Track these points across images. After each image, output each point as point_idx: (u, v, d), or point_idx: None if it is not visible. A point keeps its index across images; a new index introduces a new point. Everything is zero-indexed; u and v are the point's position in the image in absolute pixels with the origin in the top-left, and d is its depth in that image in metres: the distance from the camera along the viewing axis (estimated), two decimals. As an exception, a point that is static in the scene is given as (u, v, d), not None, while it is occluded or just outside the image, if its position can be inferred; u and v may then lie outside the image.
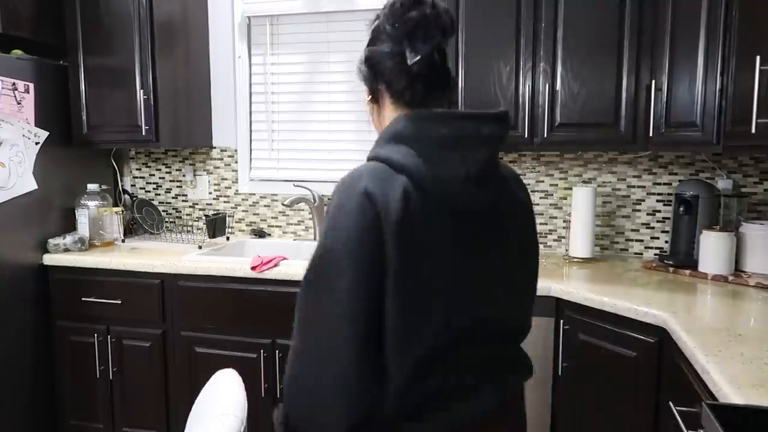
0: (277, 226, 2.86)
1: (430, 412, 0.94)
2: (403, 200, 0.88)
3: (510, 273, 1.02)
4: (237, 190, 2.90)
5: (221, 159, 2.90)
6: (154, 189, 3.04)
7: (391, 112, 1.03)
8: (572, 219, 2.31)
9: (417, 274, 0.89)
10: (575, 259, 2.32)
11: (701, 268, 2.03)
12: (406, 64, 0.95)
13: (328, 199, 2.76)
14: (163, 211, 3.02)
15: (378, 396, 0.90)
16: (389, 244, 0.87)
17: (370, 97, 1.08)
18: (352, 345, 0.87)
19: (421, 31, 0.94)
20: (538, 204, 2.53)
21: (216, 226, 2.64)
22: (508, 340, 1.09)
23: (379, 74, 1.01)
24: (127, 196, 2.99)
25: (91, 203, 2.61)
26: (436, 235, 0.91)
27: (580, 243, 2.30)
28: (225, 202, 2.92)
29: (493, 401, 1.00)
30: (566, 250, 2.42)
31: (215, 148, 2.90)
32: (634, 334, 1.67)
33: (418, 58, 0.94)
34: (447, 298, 0.92)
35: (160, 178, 3.02)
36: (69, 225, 2.60)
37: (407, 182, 0.90)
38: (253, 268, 2.18)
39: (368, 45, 1.04)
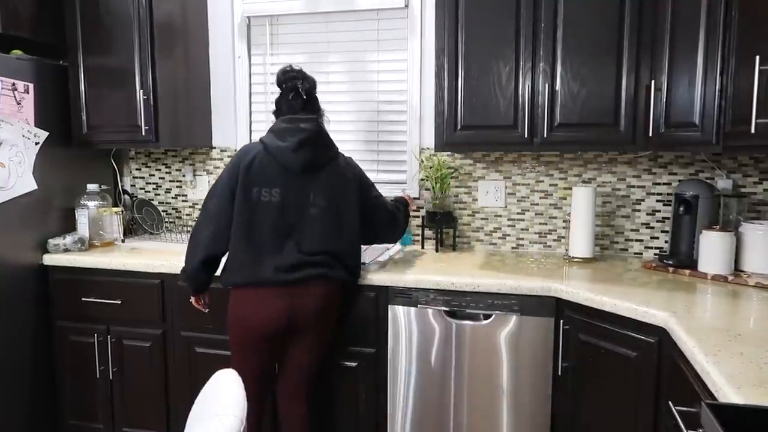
0: (277, 226, 2.86)
1: (242, 269, 1.85)
2: (252, 158, 1.87)
3: (317, 204, 1.88)
4: (237, 190, 2.90)
5: (221, 159, 2.90)
6: (154, 189, 3.04)
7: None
8: (572, 219, 2.31)
9: (249, 195, 1.85)
10: (575, 259, 2.32)
11: (701, 268, 2.03)
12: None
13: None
14: (163, 211, 3.02)
15: (222, 249, 1.90)
16: (240, 178, 1.85)
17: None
18: (215, 224, 1.89)
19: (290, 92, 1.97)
20: (537, 204, 2.53)
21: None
22: (305, 244, 1.87)
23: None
24: (127, 196, 2.99)
25: (91, 203, 2.61)
26: (266, 176, 1.86)
27: (580, 243, 2.30)
28: (225, 202, 2.92)
29: (270, 273, 1.83)
30: (566, 250, 2.42)
31: (215, 148, 2.91)
32: (634, 334, 1.68)
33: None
34: (268, 210, 1.85)
35: (160, 178, 3.02)
36: (69, 225, 2.60)
37: (261, 149, 1.89)
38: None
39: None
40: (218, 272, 1.96)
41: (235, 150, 2.88)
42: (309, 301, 1.86)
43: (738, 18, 1.67)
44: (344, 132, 2.75)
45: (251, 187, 1.84)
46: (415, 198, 2.67)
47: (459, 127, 2.24)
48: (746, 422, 0.91)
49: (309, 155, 1.87)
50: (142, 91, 2.49)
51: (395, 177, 2.70)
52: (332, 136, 2.73)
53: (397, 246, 2.56)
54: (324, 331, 1.96)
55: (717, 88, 1.75)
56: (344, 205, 1.93)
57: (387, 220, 2.10)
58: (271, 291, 1.83)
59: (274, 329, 1.84)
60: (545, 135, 2.14)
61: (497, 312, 1.99)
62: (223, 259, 1.93)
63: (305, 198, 1.86)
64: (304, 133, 1.87)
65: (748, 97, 1.55)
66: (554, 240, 2.53)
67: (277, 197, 1.84)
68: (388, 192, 2.68)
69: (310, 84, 1.98)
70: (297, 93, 1.94)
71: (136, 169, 3.05)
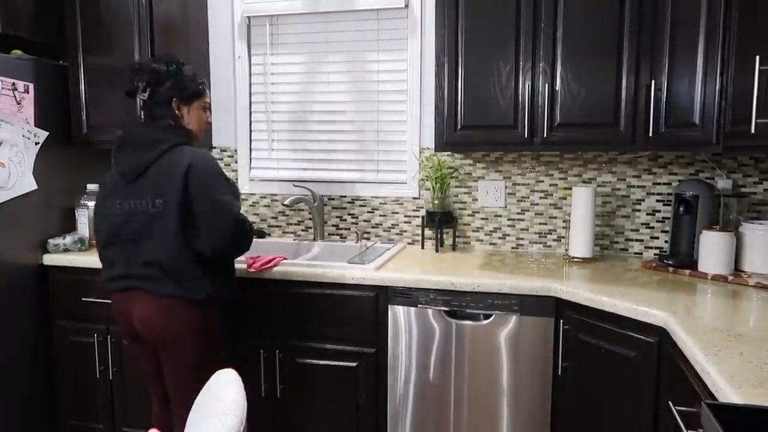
0: (277, 226, 2.86)
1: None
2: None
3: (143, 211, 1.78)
4: (237, 190, 2.90)
5: (221, 159, 2.90)
6: (154, 189, 3.03)
7: None
8: (572, 219, 2.31)
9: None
10: (575, 259, 2.32)
11: (701, 267, 2.03)
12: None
13: (329, 198, 2.76)
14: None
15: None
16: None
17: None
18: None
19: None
20: (537, 204, 2.53)
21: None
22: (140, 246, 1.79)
23: None
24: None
25: (91, 203, 2.60)
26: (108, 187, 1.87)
27: (580, 243, 2.30)
28: (225, 202, 2.92)
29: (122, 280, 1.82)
30: (566, 250, 2.42)
31: (215, 148, 2.90)
32: (634, 334, 1.68)
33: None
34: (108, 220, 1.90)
35: (160, 178, 3.01)
36: (69, 225, 2.60)
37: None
38: (249, 267, 2.18)
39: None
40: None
41: (235, 150, 2.88)
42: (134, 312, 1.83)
43: (738, 18, 1.67)
44: (344, 132, 2.75)
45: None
46: (415, 198, 2.67)
47: (459, 127, 2.24)
48: (746, 422, 0.91)
49: (126, 162, 1.81)
50: (142, 91, 2.48)
51: (395, 177, 2.70)
52: (332, 137, 2.77)
53: (399, 245, 2.56)
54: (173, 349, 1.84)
55: (717, 88, 1.75)
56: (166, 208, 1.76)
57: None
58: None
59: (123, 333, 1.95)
60: (545, 135, 2.14)
61: (497, 312, 1.99)
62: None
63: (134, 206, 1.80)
64: (117, 140, 1.85)
65: (748, 97, 1.54)
66: (554, 240, 2.53)
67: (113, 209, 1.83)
68: (389, 192, 2.69)
69: (147, 80, 1.85)
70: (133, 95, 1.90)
71: (136, 169, 3.05)
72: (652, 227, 2.42)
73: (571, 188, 2.45)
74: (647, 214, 2.42)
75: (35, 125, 2.43)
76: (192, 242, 1.76)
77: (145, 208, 1.76)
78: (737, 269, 2.01)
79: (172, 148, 1.79)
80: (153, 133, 1.82)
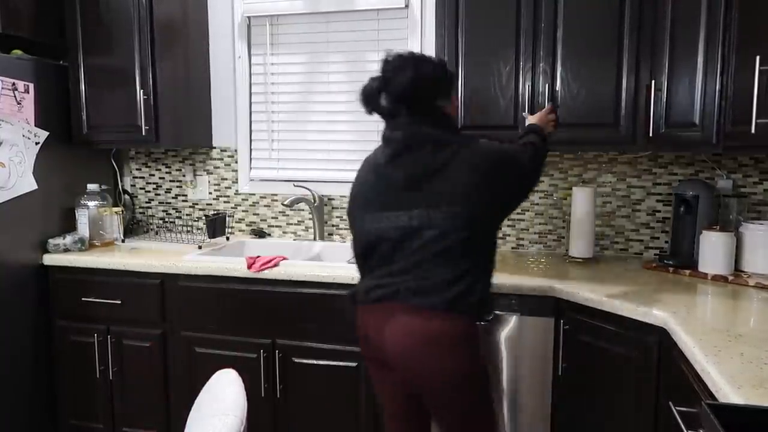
0: (277, 226, 2.86)
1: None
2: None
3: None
4: (237, 190, 2.90)
5: (221, 159, 2.90)
6: (154, 189, 3.04)
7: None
8: (572, 219, 2.31)
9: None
10: (576, 260, 2.32)
11: (701, 268, 2.03)
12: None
13: (329, 198, 2.75)
14: (163, 211, 3.02)
15: None
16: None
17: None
18: None
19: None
20: (538, 204, 2.53)
21: (216, 226, 2.64)
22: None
23: None
24: (127, 196, 2.99)
25: (91, 203, 2.61)
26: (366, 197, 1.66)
27: (581, 244, 2.30)
28: (225, 202, 2.92)
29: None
30: (566, 251, 2.42)
31: (215, 148, 2.91)
32: (634, 334, 1.67)
33: None
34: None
35: (160, 178, 3.02)
36: (69, 225, 2.60)
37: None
38: (249, 267, 2.18)
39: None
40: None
41: (236, 150, 2.88)
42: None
43: (738, 18, 1.67)
44: (344, 132, 2.75)
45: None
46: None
47: (459, 127, 2.24)
48: (746, 422, 0.91)
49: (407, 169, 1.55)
50: (142, 90, 2.49)
51: (395, 177, 2.70)
52: (332, 137, 2.77)
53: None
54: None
55: (717, 88, 1.75)
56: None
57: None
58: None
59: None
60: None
61: (497, 312, 1.99)
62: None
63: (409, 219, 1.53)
64: (397, 145, 1.57)
65: (748, 97, 1.54)
66: (554, 240, 2.53)
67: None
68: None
69: (409, 78, 1.57)
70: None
71: (136, 169, 3.05)
72: (652, 227, 2.42)
73: (571, 188, 2.45)
74: (647, 215, 2.42)
75: (35, 125, 2.43)
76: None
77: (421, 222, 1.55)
78: (737, 269, 2.01)
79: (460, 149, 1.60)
80: (435, 134, 1.61)
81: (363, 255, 1.65)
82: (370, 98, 1.61)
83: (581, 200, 2.28)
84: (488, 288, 1.58)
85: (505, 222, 2.58)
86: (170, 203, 3.01)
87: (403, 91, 1.56)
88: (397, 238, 1.53)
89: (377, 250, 1.58)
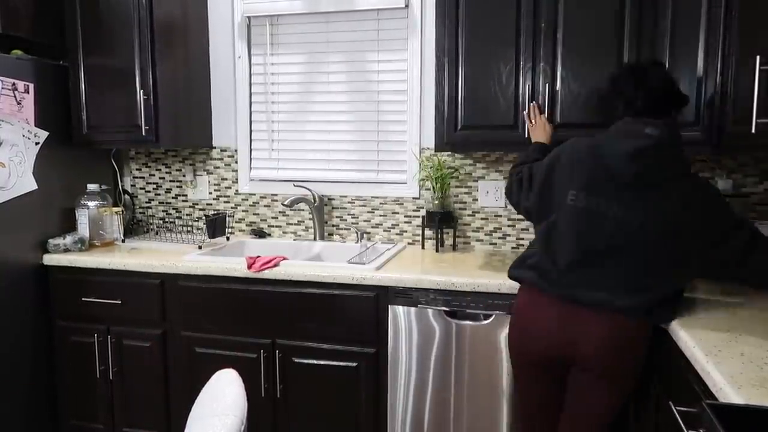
0: (277, 226, 2.86)
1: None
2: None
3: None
4: (237, 190, 2.90)
5: (221, 159, 2.90)
6: (154, 189, 3.04)
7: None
8: None
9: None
10: None
11: (701, 268, 2.02)
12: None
13: (329, 198, 2.76)
14: (163, 211, 3.02)
15: None
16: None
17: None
18: None
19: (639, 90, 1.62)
20: (538, 204, 2.53)
21: (216, 226, 2.64)
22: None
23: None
24: (127, 196, 2.99)
25: (91, 203, 2.61)
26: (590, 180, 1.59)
27: None
28: (225, 202, 2.92)
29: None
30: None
31: (215, 148, 2.91)
32: (634, 334, 1.67)
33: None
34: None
35: (160, 178, 3.02)
36: (69, 225, 2.60)
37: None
38: (249, 267, 2.18)
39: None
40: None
41: (236, 150, 2.88)
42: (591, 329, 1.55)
43: (738, 18, 1.67)
44: (344, 132, 2.75)
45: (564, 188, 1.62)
46: (415, 198, 2.67)
47: (459, 127, 2.24)
48: (746, 422, 0.91)
49: (642, 167, 1.52)
50: (142, 91, 2.49)
51: (395, 177, 2.70)
52: (332, 137, 2.77)
53: (399, 245, 2.56)
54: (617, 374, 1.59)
55: (717, 88, 1.75)
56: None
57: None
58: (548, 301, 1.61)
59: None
60: (545, 135, 2.13)
61: (497, 312, 1.99)
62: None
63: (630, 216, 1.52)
64: (647, 140, 1.52)
65: (749, 97, 1.54)
66: (554, 240, 2.53)
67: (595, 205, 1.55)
68: (389, 192, 2.69)
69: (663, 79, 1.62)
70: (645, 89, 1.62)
71: (136, 169, 3.05)
72: (653, 227, 2.41)
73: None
74: (647, 214, 2.42)
75: (35, 125, 2.43)
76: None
77: (629, 221, 1.55)
78: (737, 269, 2.00)
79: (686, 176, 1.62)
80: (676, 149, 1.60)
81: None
82: (627, 86, 1.62)
83: None
84: None
85: (505, 222, 2.58)
86: (170, 203, 3.01)
87: (664, 86, 1.60)
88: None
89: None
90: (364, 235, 2.72)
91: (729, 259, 1.53)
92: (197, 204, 2.97)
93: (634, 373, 1.57)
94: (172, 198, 3.01)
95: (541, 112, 2.07)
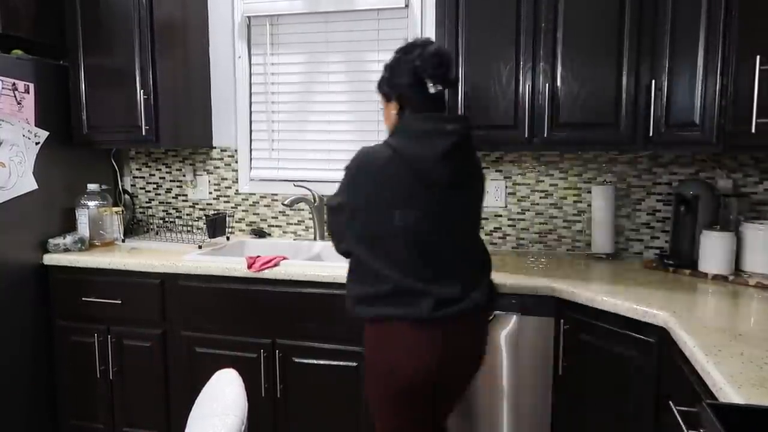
0: (277, 226, 2.86)
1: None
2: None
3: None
4: (237, 190, 2.90)
5: (221, 159, 2.90)
6: (154, 189, 3.04)
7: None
8: (593, 217, 2.35)
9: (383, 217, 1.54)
10: (598, 255, 2.37)
11: (701, 267, 2.03)
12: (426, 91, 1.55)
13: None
14: (163, 211, 3.02)
15: None
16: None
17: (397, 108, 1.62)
18: None
19: (442, 76, 1.53)
20: (538, 204, 2.53)
21: (216, 226, 2.64)
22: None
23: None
24: (127, 196, 2.99)
25: (91, 203, 2.61)
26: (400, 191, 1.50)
27: (601, 240, 2.35)
28: (225, 202, 2.92)
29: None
30: (588, 245, 2.41)
31: (215, 148, 2.90)
32: (634, 334, 1.67)
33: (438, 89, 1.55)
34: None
35: (160, 178, 3.02)
36: (69, 225, 2.60)
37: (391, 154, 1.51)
38: (249, 267, 2.18)
39: (393, 71, 1.59)
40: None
41: (236, 150, 2.88)
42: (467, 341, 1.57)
43: (738, 18, 1.67)
44: (344, 132, 2.75)
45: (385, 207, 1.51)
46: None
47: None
48: (746, 422, 0.91)
49: (455, 167, 1.51)
50: (142, 91, 2.49)
51: (395, 177, 2.70)
52: (332, 137, 2.77)
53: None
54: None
55: (717, 88, 1.75)
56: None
57: None
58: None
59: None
60: (545, 135, 2.14)
61: (497, 312, 1.99)
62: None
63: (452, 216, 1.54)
64: (454, 137, 1.50)
65: (749, 96, 1.55)
66: (554, 240, 2.53)
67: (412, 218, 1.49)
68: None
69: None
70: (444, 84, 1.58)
71: (136, 169, 3.05)
72: (653, 227, 2.42)
73: (571, 188, 2.46)
74: (647, 214, 2.42)
75: (35, 125, 2.43)
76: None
77: (459, 218, 1.57)
78: (738, 269, 2.01)
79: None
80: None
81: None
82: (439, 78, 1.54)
83: (601, 199, 2.32)
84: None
85: (505, 222, 2.58)
86: (170, 203, 3.01)
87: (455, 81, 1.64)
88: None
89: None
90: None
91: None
92: (197, 204, 2.97)
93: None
94: (172, 198, 3.01)
95: None
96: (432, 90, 1.53)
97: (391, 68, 1.60)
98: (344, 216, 1.58)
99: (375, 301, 1.51)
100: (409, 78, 1.54)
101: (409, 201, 1.47)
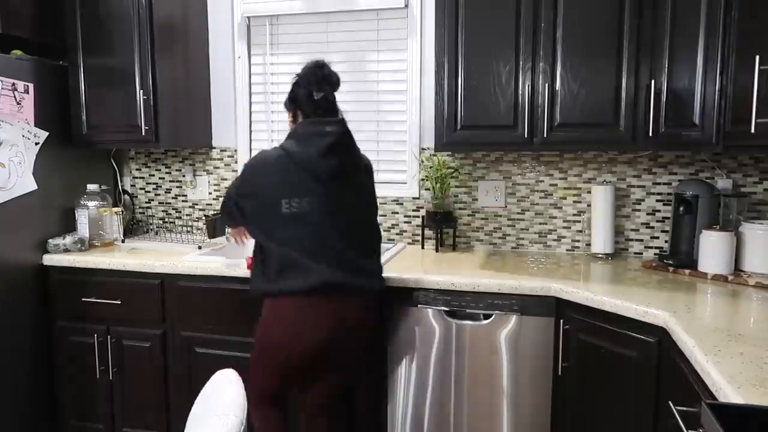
0: (277, 226, 2.86)
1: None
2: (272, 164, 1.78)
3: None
4: (237, 190, 2.90)
5: (221, 159, 2.90)
6: (154, 189, 3.04)
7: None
8: (593, 217, 2.35)
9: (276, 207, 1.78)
10: (598, 255, 2.37)
11: (701, 267, 2.03)
12: (312, 98, 1.81)
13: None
14: (163, 211, 3.02)
15: None
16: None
17: (292, 116, 1.90)
18: None
19: (323, 83, 1.82)
20: (537, 204, 2.53)
21: (216, 226, 2.64)
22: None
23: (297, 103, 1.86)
24: (127, 196, 2.99)
25: (91, 203, 2.61)
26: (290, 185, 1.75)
27: (601, 240, 2.35)
28: (225, 202, 2.92)
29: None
30: (587, 245, 2.41)
31: (215, 148, 2.90)
32: (634, 334, 1.67)
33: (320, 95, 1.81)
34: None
35: (160, 178, 3.02)
36: (69, 225, 2.60)
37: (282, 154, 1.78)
38: (249, 267, 2.17)
39: (291, 89, 1.87)
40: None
41: (236, 150, 2.88)
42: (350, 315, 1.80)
43: (738, 18, 1.67)
44: (344, 132, 2.75)
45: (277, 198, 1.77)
46: (415, 198, 2.67)
47: (459, 127, 2.24)
48: (746, 422, 0.91)
49: (336, 161, 1.77)
50: (142, 91, 2.49)
51: (395, 177, 2.70)
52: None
53: (399, 245, 2.56)
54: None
55: (717, 88, 1.75)
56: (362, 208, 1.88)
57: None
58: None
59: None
60: (545, 135, 2.14)
61: (497, 312, 1.99)
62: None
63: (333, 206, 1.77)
64: (331, 137, 1.77)
65: (748, 96, 1.55)
66: (554, 240, 2.53)
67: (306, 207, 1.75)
68: (389, 192, 2.69)
69: (336, 81, 1.89)
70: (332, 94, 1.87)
71: (136, 169, 3.05)
72: (652, 227, 2.42)
73: (571, 188, 2.46)
74: (647, 214, 2.42)
75: (35, 125, 2.43)
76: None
77: (346, 206, 1.79)
78: (737, 269, 2.01)
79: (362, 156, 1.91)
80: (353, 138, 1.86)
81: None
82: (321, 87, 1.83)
83: (600, 199, 2.33)
84: None
85: (505, 222, 2.58)
86: (170, 203, 3.01)
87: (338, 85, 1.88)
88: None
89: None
90: (364, 235, 2.72)
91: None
92: (197, 204, 2.97)
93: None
94: (172, 198, 3.01)
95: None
96: (316, 96, 1.80)
97: (291, 88, 1.89)
98: (234, 203, 1.86)
99: (265, 278, 1.78)
100: (298, 89, 1.84)
101: (297, 191, 1.73)
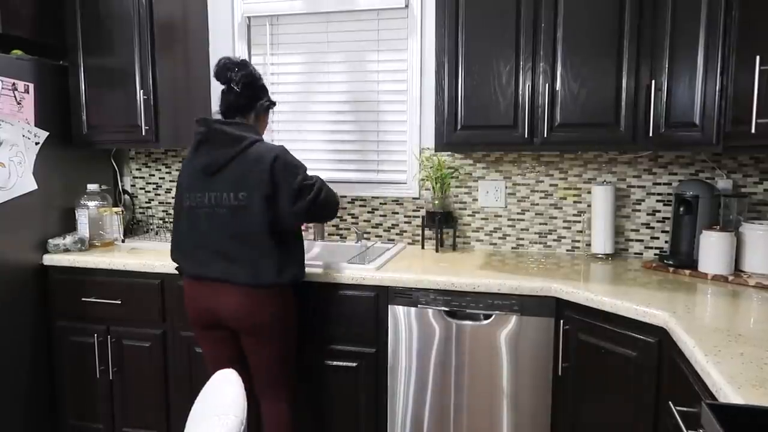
0: (277, 226, 2.86)
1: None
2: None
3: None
4: (237, 190, 2.90)
5: (221, 159, 2.90)
6: (154, 189, 3.04)
7: None
8: (593, 217, 2.35)
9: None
10: (598, 256, 2.37)
11: (701, 268, 2.03)
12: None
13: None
14: (163, 211, 3.02)
15: None
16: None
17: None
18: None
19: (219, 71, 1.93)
20: (537, 204, 2.53)
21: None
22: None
23: None
24: (127, 196, 2.99)
25: (91, 203, 2.61)
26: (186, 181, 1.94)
27: (601, 240, 2.35)
28: (225, 202, 2.92)
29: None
30: (587, 245, 2.41)
31: (215, 148, 2.90)
32: (634, 334, 1.67)
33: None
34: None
35: (160, 178, 3.02)
36: (69, 225, 2.60)
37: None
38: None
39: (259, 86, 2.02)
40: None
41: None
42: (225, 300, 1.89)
43: (738, 18, 1.67)
44: (344, 132, 2.75)
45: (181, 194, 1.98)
46: (415, 198, 2.67)
47: (459, 127, 2.24)
48: (746, 422, 0.91)
49: (206, 158, 1.88)
50: (142, 91, 2.49)
51: (395, 177, 2.71)
52: (332, 137, 2.77)
53: (399, 246, 2.56)
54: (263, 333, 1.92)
55: (717, 88, 1.75)
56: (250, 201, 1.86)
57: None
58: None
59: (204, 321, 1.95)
60: (545, 135, 2.14)
61: (497, 312, 1.99)
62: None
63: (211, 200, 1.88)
64: (198, 136, 1.91)
65: (749, 97, 1.54)
66: (554, 240, 2.53)
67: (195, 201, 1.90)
68: (389, 192, 2.69)
69: (244, 75, 1.92)
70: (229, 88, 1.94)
71: (136, 169, 3.05)
72: (653, 227, 2.42)
73: (571, 188, 2.46)
74: (647, 214, 2.42)
75: (35, 125, 2.43)
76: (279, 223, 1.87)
77: (227, 201, 1.85)
78: (737, 269, 2.01)
79: (254, 144, 1.88)
80: (237, 129, 1.88)
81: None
82: None
83: (601, 199, 2.33)
84: None
85: (505, 222, 2.58)
86: (170, 203, 3.01)
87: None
88: None
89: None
90: (364, 235, 2.73)
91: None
92: (197, 204, 2.96)
93: (274, 329, 1.90)
94: (172, 198, 3.01)
95: None
96: (225, 90, 1.94)
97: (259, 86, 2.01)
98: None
99: (177, 260, 2.01)
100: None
101: (193, 187, 1.90)
